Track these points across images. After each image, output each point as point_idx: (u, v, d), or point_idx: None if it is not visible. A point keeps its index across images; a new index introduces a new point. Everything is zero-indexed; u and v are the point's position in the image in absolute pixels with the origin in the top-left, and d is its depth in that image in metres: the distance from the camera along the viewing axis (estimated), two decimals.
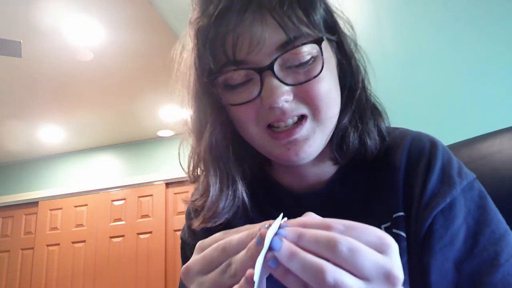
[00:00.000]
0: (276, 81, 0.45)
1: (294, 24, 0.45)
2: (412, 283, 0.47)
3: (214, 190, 0.51)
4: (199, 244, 0.37)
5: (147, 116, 3.97)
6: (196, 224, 0.53)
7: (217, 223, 0.52)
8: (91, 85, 3.38)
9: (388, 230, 0.50)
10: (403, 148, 0.53)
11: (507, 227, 0.48)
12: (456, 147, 0.71)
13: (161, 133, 4.35)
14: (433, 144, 0.53)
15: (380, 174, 0.53)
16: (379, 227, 0.51)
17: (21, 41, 2.38)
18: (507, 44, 1.40)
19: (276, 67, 0.45)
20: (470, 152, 0.68)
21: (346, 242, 0.29)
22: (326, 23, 0.51)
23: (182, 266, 0.58)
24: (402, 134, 0.56)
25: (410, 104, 1.47)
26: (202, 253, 0.35)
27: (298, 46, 0.45)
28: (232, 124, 0.52)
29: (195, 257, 0.36)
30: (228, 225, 0.55)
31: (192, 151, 0.56)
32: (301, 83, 0.46)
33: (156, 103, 3.72)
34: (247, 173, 0.55)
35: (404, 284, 0.46)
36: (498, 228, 0.47)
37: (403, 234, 0.49)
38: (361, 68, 0.55)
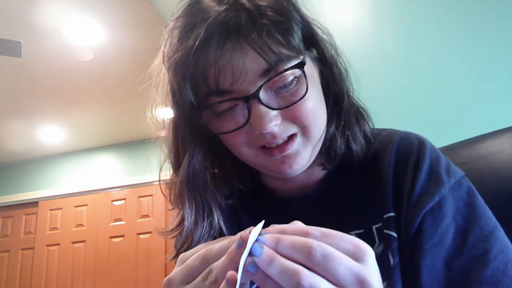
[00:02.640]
0: (263, 108, 0.46)
1: (273, 52, 0.45)
2: (405, 283, 0.47)
3: (190, 219, 0.52)
4: (181, 256, 0.38)
5: (147, 116, 3.96)
6: (171, 257, 0.54)
7: None
8: (91, 85, 3.38)
9: (379, 231, 0.50)
10: (392, 148, 0.54)
11: (497, 223, 0.47)
12: (456, 147, 0.71)
13: (161, 133, 4.34)
14: (421, 143, 0.53)
15: (369, 176, 0.54)
16: (371, 228, 0.51)
17: (21, 41, 2.38)
18: (507, 44, 1.40)
19: (261, 94, 0.46)
20: (470, 152, 0.67)
21: (320, 248, 0.30)
22: (305, 38, 0.51)
23: None
24: (390, 135, 0.56)
25: (410, 104, 1.47)
26: (184, 264, 0.36)
27: (281, 72, 0.46)
28: (215, 147, 0.53)
29: (176, 269, 0.36)
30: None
31: (171, 180, 0.57)
32: (287, 107, 0.47)
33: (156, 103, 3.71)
34: (233, 192, 0.56)
35: (396, 284, 0.47)
36: (487, 225, 0.47)
37: (394, 234, 0.49)
38: (343, 72, 0.55)
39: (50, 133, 4.21)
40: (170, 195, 0.57)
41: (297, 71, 0.47)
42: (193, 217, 0.52)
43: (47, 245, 4.34)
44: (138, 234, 4.15)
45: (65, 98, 3.56)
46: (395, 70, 1.53)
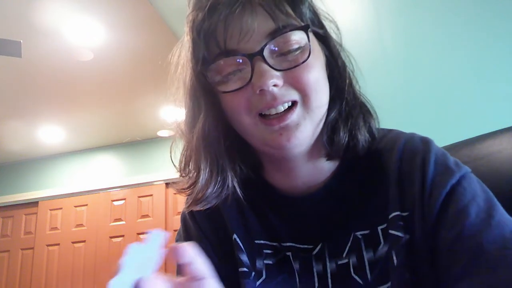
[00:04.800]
0: (265, 66, 0.47)
1: (282, 13, 0.48)
2: (418, 280, 0.46)
3: (204, 174, 0.53)
4: None
5: (147, 116, 3.97)
6: (185, 206, 0.55)
7: (206, 207, 0.54)
8: (91, 85, 3.38)
9: (384, 231, 0.50)
10: (397, 150, 0.53)
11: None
12: (456, 147, 0.71)
13: (161, 133, 4.35)
14: (425, 142, 0.53)
15: (375, 177, 0.54)
16: (376, 229, 0.51)
17: (21, 41, 2.38)
18: (507, 44, 1.40)
19: (265, 53, 0.47)
20: (470, 152, 0.68)
21: None
22: (313, 19, 0.53)
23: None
24: (396, 136, 0.56)
25: (410, 104, 1.47)
26: None
27: (287, 32, 0.48)
28: (225, 119, 0.53)
29: None
30: (217, 211, 0.57)
31: (185, 145, 0.57)
32: (290, 68, 0.48)
33: (156, 103, 3.72)
34: (238, 169, 0.56)
35: (400, 285, 0.46)
36: (504, 212, 0.46)
37: (400, 234, 0.48)
38: (348, 68, 0.56)
39: (50, 133, 4.21)
40: (181, 163, 0.57)
41: (303, 42, 0.49)
42: (208, 169, 0.53)
43: (47, 245, 4.35)
44: (138, 234, 4.15)
45: (65, 98, 3.56)
46: (395, 70, 1.53)
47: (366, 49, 1.57)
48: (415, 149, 0.52)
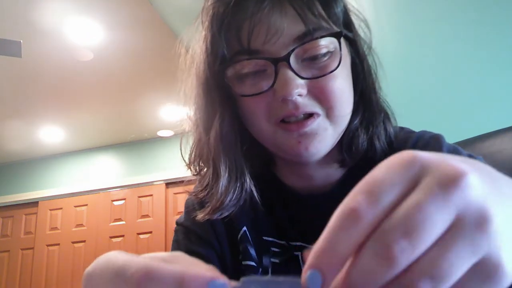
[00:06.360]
0: (291, 73, 0.44)
1: (314, 16, 0.44)
2: None
3: (223, 180, 0.49)
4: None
5: (147, 116, 3.97)
6: (201, 215, 0.51)
7: (223, 215, 0.51)
8: (91, 85, 3.38)
9: None
10: (408, 148, 0.53)
11: None
12: None
13: (161, 133, 4.35)
14: (436, 139, 0.53)
15: None
16: None
17: (21, 41, 2.38)
18: (507, 44, 1.40)
19: (292, 59, 0.44)
20: (470, 152, 0.68)
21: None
22: (344, 20, 0.50)
23: (171, 249, 0.58)
24: (407, 135, 0.55)
25: (410, 104, 1.47)
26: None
27: (317, 38, 0.44)
28: (240, 119, 0.50)
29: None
30: (230, 220, 0.53)
31: (197, 142, 0.54)
32: (316, 78, 0.45)
33: (156, 103, 3.72)
34: (254, 170, 0.53)
35: None
36: None
37: None
38: (373, 71, 0.54)
39: (50, 133, 4.21)
40: (191, 158, 0.54)
41: (332, 46, 0.45)
42: (227, 175, 0.49)
43: (47, 245, 4.34)
44: (138, 234, 4.15)
45: (65, 98, 3.56)
46: (395, 70, 1.53)
47: None
48: (426, 147, 0.52)
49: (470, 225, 0.19)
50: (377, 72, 0.54)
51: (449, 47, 1.48)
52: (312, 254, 0.21)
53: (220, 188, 0.50)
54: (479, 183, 0.20)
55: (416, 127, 0.57)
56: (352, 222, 0.20)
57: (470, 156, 0.50)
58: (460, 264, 0.19)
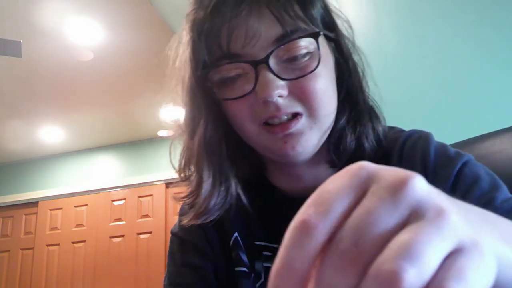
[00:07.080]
0: (270, 75, 0.44)
1: (291, 17, 0.45)
2: None
3: (206, 185, 0.50)
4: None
5: (147, 116, 3.97)
6: (186, 220, 0.52)
7: (208, 220, 0.51)
8: (91, 85, 3.38)
9: None
10: (396, 150, 0.53)
11: None
12: (456, 147, 0.71)
13: (161, 133, 4.35)
14: (424, 138, 0.53)
15: None
16: None
17: (21, 41, 2.38)
18: (507, 44, 1.40)
19: (271, 61, 0.45)
20: (470, 152, 0.68)
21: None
22: (324, 20, 0.50)
23: (167, 261, 0.58)
24: (396, 134, 0.56)
25: (410, 104, 1.47)
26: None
27: (295, 39, 0.45)
28: (225, 122, 0.51)
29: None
30: (220, 223, 0.54)
31: (184, 148, 0.55)
32: (296, 78, 0.45)
33: (156, 103, 3.71)
34: (241, 173, 0.53)
35: None
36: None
37: None
38: (359, 69, 0.54)
39: (50, 133, 4.21)
40: (180, 164, 0.55)
41: (312, 47, 0.46)
42: (211, 179, 0.50)
43: (47, 245, 4.34)
44: (138, 234, 4.15)
45: (65, 98, 3.56)
46: (395, 70, 1.53)
47: (365, 49, 1.56)
48: (414, 146, 0.52)
49: (429, 214, 0.19)
50: (364, 71, 0.54)
51: (449, 47, 1.48)
52: (271, 276, 0.20)
53: (203, 193, 0.50)
54: (426, 184, 0.20)
55: (416, 127, 0.57)
56: (305, 235, 0.20)
57: (458, 153, 0.50)
58: (427, 248, 0.17)
